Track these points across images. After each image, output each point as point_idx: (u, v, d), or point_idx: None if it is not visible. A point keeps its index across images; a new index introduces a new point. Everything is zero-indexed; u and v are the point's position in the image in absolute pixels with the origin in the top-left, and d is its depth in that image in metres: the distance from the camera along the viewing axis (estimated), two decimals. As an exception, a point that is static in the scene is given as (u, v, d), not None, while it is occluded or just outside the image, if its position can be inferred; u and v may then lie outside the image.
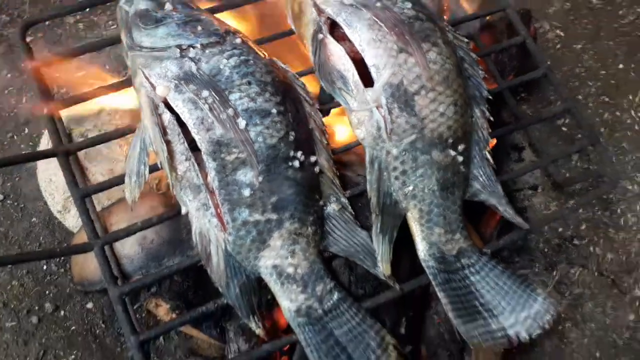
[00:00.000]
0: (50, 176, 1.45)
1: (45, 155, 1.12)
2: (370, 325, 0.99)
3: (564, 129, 1.72)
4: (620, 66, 1.83)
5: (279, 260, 0.98)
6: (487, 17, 1.50)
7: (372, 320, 0.99)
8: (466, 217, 1.09)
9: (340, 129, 1.38)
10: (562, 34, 1.92)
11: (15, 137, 1.65)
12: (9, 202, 1.54)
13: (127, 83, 1.13)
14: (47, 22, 1.66)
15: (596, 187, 1.43)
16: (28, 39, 1.20)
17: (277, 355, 1.26)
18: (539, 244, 1.54)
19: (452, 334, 1.28)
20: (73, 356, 1.34)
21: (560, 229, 1.57)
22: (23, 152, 1.59)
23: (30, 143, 1.63)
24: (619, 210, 1.58)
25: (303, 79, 1.10)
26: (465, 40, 1.15)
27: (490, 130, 1.11)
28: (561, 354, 1.42)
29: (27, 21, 1.21)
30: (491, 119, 1.11)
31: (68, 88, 1.66)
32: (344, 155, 1.21)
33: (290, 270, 0.98)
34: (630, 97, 1.77)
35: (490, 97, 1.12)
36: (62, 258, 1.46)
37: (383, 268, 1.01)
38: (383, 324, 1.01)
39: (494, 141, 1.15)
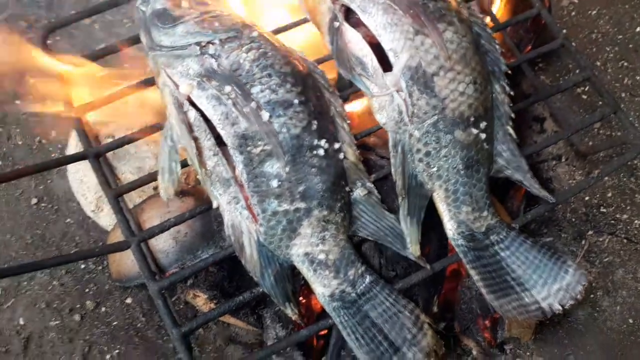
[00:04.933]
0: (81, 177, 1.49)
1: (77, 158, 1.15)
2: (404, 305, 1.01)
3: (584, 96, 1.70)
4: (638, 29, 1.81)
5: (310, 247, 1.00)
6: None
7: (405, 300, 1.01)
8: (492, 192, 1.10)
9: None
10: (576, 0, 1.89)
11: (43, 141, 1.68)
12: (43, 204, 1.58)
13: (150, 81, 1.15)
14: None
15: (620, 154, 1.42)
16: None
17: (314, 339, 1.29)
18: (566, 214, 1.54)
19: (484, 309, 1.30)
20: (117, 350, 1.38)
21: (586, 198, 1.56)
22: (55, 157, 1.63)
23: (59, 145, 1.67)
24: (644, 175, 1.58)
25: (320, 67, 1.12)
26: (480, 15, 1.14)
27: (511, 105, 1.11)
28: (594, 322, 1.43)
29: (48, 27, 1.24)
30: (511, 93, 1.11)
31: (92, 90, 1.68)
32: (367, 137, 1.22)
33: (322, 256, 1.00)
34: (650, 60, 1.75)
35: (509, 71, 1.12)
36: (100, 256, 1.50)
37: (413, 249, 1.03)
38: (416, 303, 1.03)
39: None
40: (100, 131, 1.43)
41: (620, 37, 1.81)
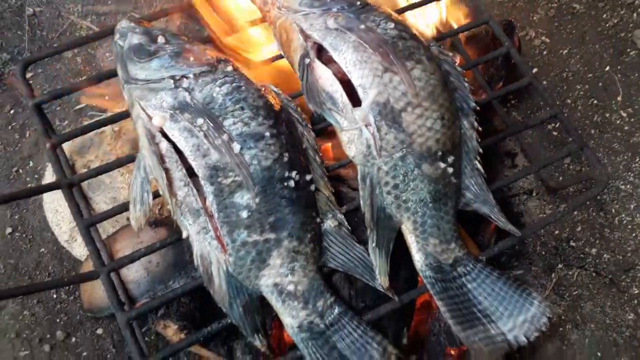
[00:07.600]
0: (56, 207, 1.49)
1: (49, 188, 1.15)
2: (372, 337, 1.01)
3: (554, 133, 1.75)
4: (607, 68, 1.86)
5: (279, 278, 1.01)
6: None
7: (373, 331, 1.02)
8: (462, 225, 1.12)
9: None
10: (547, 40, 1.95)
11: (20, 170, 1.69)
12: (17, 234, 1.57)
13: (127, 113, 1.16)
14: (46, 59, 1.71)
15: (589, 188, 1.45)
16: (28, 75, 1.24)
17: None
18: (536, 247, 1.56)
19: (452, 341, 1.30)
20: (86, 381, 1.38)
21: (556, 232, 1.59)
22: (28, 186, 1.63)
23: (36, 176, 1.67)
24: (613, 210, 1.60)
25: (298, 100, 1.14)
26: (450, 54, 1.18)
27: (479, 140, 1.14)
28: (563, 355, 1.44)
29: (27, 60, 1.25)
30: (479, 129, 1.14)
31: (69, 121, 1.70)
32: (340, 169, 1.24)
33: (291, 287, 1.01)
34: (619, 99, 1.79)
35: (477, 108, 1.15)
36: (71, 286, 1.49)
37: (381, 281, 1.04)
38: (385, 334, 1.04)
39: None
40: (77, 162, 1.44)
41: (590, 75, 1.86)
